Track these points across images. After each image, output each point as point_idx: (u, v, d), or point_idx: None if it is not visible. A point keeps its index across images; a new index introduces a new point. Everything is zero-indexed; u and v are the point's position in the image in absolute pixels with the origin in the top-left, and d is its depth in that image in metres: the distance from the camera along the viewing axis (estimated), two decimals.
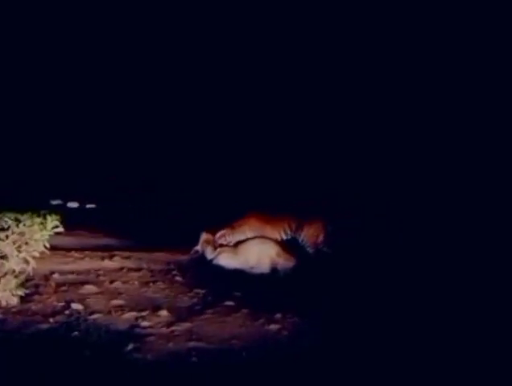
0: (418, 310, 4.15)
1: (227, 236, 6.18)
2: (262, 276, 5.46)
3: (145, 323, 3.67)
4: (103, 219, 8.76)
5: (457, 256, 5.14)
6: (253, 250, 5.67)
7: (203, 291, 4.64)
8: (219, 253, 5.79)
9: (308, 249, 6.12)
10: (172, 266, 5.61)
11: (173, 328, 3.61)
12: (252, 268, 5.59)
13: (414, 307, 4.20)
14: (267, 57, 8.27)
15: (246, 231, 6.21)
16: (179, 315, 3.89)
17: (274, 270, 5.56)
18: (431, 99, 6.98)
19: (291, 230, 6.29)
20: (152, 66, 8.77)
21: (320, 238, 6.08)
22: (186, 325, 3.68)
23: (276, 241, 5.97)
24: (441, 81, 6.84)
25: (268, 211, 6.45)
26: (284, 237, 6.28)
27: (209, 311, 4.04)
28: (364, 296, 4.60)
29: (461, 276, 4.80)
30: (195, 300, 4.38)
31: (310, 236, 6.14)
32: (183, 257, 6.09)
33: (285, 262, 5.60)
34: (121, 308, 3.98)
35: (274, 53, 8.17)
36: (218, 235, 6.16)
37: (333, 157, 7.96)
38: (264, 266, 5.58)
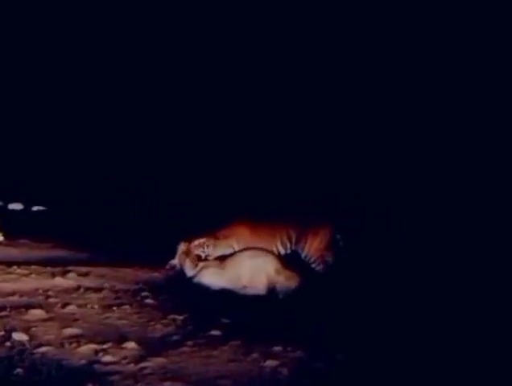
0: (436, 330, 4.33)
1: (206, 248, 6.09)
2: (256, 298, 5.44)
3: (107, 358, 3.61)
4: (54, 224, 8.69)
5: (460, 256, 5.76)
6: (245, 265, 5.61)
7: (181, 317, 4.60)
8: (202, 269, 5.74)
9: (315, 266, 6.09)
10: (142, 285, 5.59)
11: (143, 365, 3.55)
12: (244, 288, 5.54)
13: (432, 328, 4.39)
14: (264, 58, 9.10)
15: (233, 243, 6.14)
16: (151, 348, 3.84)
17: (271, 291, 5.51)
18: (432, 99, 7.75)
19: (290, 242, 6.23)
20: (148, 65, 9.66)
21: (327, 252, 6.07)
22: (159, 360, 3.63)
23: (274, 254, 5.93)
24: (441, 81, 7.64)
25: (260, 218, 6.40)
26: (282, 251, 6.23)
27: (189, 343, 4.00)
28: (379, 322, 4.68)
29: (466, 277, 5.37)
30: (171, 328, 4.34)
31: (315, 249, 6.10)
32: (157, 275, 6.08)
33: (286, 281, 5.54)
34: (76, 339, 3.92)
35: (272, 53, 8.99)
36: (194, 244, 6.05)
37: (332, 156, 8.53)
38: (259, 286, 5.53)
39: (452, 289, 5.45)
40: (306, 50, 8.79)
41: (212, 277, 5.62)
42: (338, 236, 6.15)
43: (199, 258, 5.93)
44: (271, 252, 5.91)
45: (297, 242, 6.19)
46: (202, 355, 3.79)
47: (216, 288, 5.56)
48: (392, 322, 4.72)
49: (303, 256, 6.16)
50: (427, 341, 4.26)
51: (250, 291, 5.49)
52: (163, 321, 4.51)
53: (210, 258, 6.01)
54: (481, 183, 6.87)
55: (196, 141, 9.45)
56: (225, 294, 5.45)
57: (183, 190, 9.41)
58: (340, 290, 5.49)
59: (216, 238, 6.16)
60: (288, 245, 6.23)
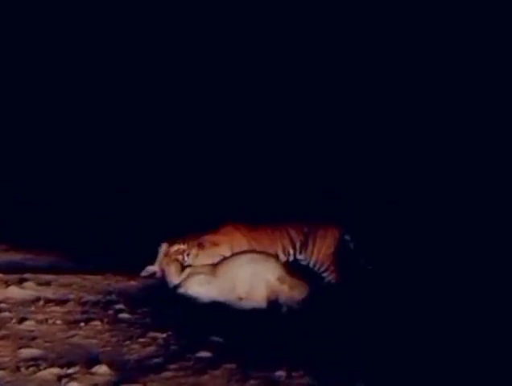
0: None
1: (186, 256, 6.01)
2: (254, 312, 5.42)
3: (73, 385, 3.55)
4: (9, 223, 8.62)
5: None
6: (241, 272, 5.57)
7: (163, 335, 4.57)
8: (188, 276, 5.68)
9: (326, 275, 6.11)
10: (116, 297, 5.57)
11: None
12: (240, 300, 5.50)
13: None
14: (264, 58, 9.84)
15: (225, 251, 6.03)
16: (127, 373, 3.79)
17: (273, 303, 5.46)
18: (436, 95, 8.45)
19: (294, 248, 6.24)
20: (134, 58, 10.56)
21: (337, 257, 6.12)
22: None
23: (276, 258, 5.89)
24: (445, 75, 8.38)
25: (257, 221, 6.38)
26: (284, 259, 6.21)
27: (173, 367, 3.96)
28: (403, 341, 4.71)
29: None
30: (150, 349, 4.30)
31: (325, 255, 6.12)
32: (133, 283, 6.08)
33: (290, 291, 5.49)
34: (35, 362, 3.86)
35: (272, 52, 9.75)
36: (173, 249, 6.00)
37: (335, 151, 9.03)
38: (258, 297, 5.48)
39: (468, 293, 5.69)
40: (305, 48, 9.49)
41: (200, 287, 5.57)
42: (347, 237, 6.21)
43: (181, 265, 5.87)
44: (273, 256, 5.86)
45: (302, 248, 6.21)
46: (189, 382, 3.74)
47: (206, 300, 5.52)
48: (417, 341, 4.73)
49: (310, 264, 6.15)
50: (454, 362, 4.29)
51: (248, 304, 5.44)
52: (142, 340, 4.47)
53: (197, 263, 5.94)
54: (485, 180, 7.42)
55: (186, 135, 9.90)
56: (217, 307, 5.44)
57: (166, 184, 9.52)
58: (356, 303, 5.54)
59: (201, 246, 6.06)
60: (291, 252, 6.24)
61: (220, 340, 4.57)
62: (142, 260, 6.11)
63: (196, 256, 6.01)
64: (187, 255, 5.99)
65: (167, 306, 5.38)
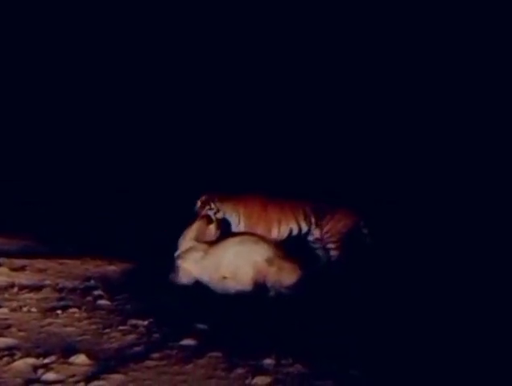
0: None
1: (212, 205, 6.24)
2: (241, 297, 5.37)
3: (50, 376, 3.49)
4: None
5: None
6: (228, 251, 5.53)
7: (144, 323, 4.52)
8: (189, 251, 5.63)
9: (330, 248, 6.28)
10: (94, 282, 5.54)
11: (96, 383, 3.43)
12: (224, 279, 5.44)
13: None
14: (255, 53, 10.21)
15: (240, 210, 6.24)
16: (106, 363, 3.74)
17: (260, 286, 5.40)
18: (443, 94, 8.78)
19: (308, 224, 6.39)
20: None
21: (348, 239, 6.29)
22: (117, 378, 3.51)
23: (270, 241, 5.86)
24: (445, 75, 8.69)
25: (274, 194, 6.59)
26: (296, 231, 6.37)
27: (155, 356, 3.91)
28: (398, 329, 4.73)
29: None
30: (131, 337, 4.26)
31: (337, 230, 6.31)
32: (113, 268, 6.04)
33: (279, 274, 5.41)
34: (9, 351, 3.80)
35: (265, 49, 10.11)
36: (200, 201, 6.23)
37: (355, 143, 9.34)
38: (244, 278, 5.41)
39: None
40: (306, 47, 9.83)
41: (189, 265, 5.54)
42: (362, 223, 6.38)
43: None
44: (266, 239, 5.85)
45: (317, 220, 6.36)
46: (172, 371, 3.70)
47: (191, 281, 5.48)
48: (412, 330, 4.75)
49: (319, 235, 6.34)
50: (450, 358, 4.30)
51: (232, 285, 5.38)
52: (122, 328, 4.43)
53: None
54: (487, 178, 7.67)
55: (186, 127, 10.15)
56: (201, 292, 5.40)
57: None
58: (352, 289, 5.55)
59: (223, 200, 6.30)
60: (304, 227, 6.39)
61: (205, 327, 4.53)
62: (123, 244, 6.09)
63: (221, 205, 6.29)
64: (213, 203, 6.29)
65: (148, 292, 5.36)
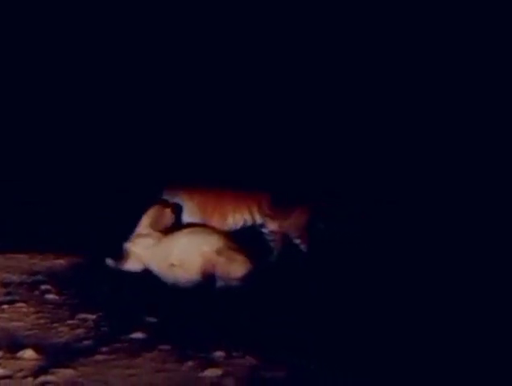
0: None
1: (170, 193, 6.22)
2: (191, 289, 5.37)
3: None
4: None
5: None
6: (179, 241, 5.51)
7: (93, 317, 4.49)
8: (139, 237, 5.61)
9: (298, 243, 6.32)
10: (42, 277, 5.48)
11: (44, 378, 3.38)
12: (172, 266, 5.41)
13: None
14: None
15: (194, 201, 6.20)
16: (55, 357, 3.69)
17: (208, 276, 5.38)
18: (435, 95, 8.76)
19: (262, 212, 6.36)
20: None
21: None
22: (66, 373, 3.47)
23: (222, 233, 5.85)
24: (444, 74, 8.69)
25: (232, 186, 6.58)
26: (249, 222, 6.33)
27: (104, 350, 3.88)
28: (353, 320, 4.72)
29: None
30: (80, 331, 4.22)
31: (297, 225, 6.30)
32: (61, 262, 5.99)
33: (228, 264, 5.38)
34: None
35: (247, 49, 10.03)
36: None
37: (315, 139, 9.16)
38: (192, 267, 5.36)
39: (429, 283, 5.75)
40: (304, 47, 9.75)
41: (144, 250, 5.50)
42: (319, 217, 6.41)
43: None
44: (219, 231, 5.85)
45: (273, 213, 6.35)
46: (121, 365, 3.66)
47: (139, 265, 5.48)
48: (367, 320, 4.77)
49: (275, 227, 6.34)
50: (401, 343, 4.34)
51: (180, 273, 5.35)
52: (70, 322, 4.39)
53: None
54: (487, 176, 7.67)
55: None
56: (150, 284, 5.37)
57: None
58: (308, 279, 5.60)
59: (178, 189, 6.28)
60: (258, 218, 6.37)
61: (155, 320, 4.50)
62: (71, 237, 6.01)
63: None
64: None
65: (97, 286, 5.32)
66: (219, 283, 5.38)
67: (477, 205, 7.27)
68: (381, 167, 8.23)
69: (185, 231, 5.67)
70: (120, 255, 5.71)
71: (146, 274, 5.64)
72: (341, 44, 9.27)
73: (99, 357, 3.77)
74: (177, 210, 6.12)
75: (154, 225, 5.80)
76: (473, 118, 8.19)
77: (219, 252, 5.40)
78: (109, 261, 5.70)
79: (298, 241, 6.38)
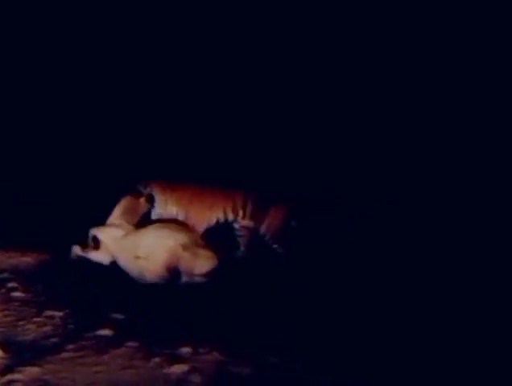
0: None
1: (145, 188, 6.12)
2: (157, 282, 5.38)
3: None
4: None
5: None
6: (147, 235, 5.50)
7: (60, 314, 4.47)
8: (108, 225, 5.62)
9: (275, 245, 6.26)
10: (8, 274, 5.43)
11: (11, 377, 3.37)
12: (137, 258, 5.38)
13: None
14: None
15: (171, 196, 6.12)
16: (21, 355, 3.67)
17: (173, 272, 5.38)
18: (430, 94, 8.68)
19: (235, 214, 6.30)
20: None
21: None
22: (33, 371, 3.47)
23: (191, 229, 5.84)
24: (443, 72, 8.63)
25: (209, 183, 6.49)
26: (222, 219, 6.29)
27: (71, 347, 3.87)
28: (319, 315, 4.76)
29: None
30: (47, 329, 4.19)
31: (274, 226, 6.25)
32: (27, 259, 5.93)
33: (193, 259, 5.35)
34: None
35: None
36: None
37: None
38: (158, 260, 5.32)
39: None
40: (300, 47, 9.59)
41: (110, 240, 5.48)
42: (293, 218, 6.36)
43: None
44: (188, 227, 5.83)
45: (248, 211, 6.30)
46: (88, 362, 3.66)
47: (106, 256, 5.46)
48: (332, 315, 4.83)
49: (247, 224, 6.29)
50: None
51: (145, 266, 5.32)
52: (37, 319, 4.35)
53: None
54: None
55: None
56: (116, 277, 5.36)
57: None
58: (276, 276, 5.61)
59: (154, 185, 6.18)
60: (231, 216, 6.31)
61: (122, 317, 4.50)
62: (38, 234, 5.94)
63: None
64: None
65: (64, 282, 5.27)
66: (183, 278, 5.37)
67: (477, 204, 7.26)
68: (363, 165, 8.16)
69: (154, 225, 5.66)
70: (86, 243, 5.67)
71: (113, 269, 5.60)
72: (332, 42, 9.20)
73: (66, 354, 3.76)
74: (151, 201, 6.08)
75: (127, 215, 5.78)
76: (472, 118, 8.15)
77: (184, 248, 5.38)
78: (76, 249, 5.67)
79: (270, 240, 6.33)
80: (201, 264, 5.41)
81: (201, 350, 3.92)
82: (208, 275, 5.38)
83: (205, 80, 9.55)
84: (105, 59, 10.30)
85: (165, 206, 6.13)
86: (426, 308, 5.06)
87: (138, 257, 5.36)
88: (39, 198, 8.15)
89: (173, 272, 5.33)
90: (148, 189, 6.12)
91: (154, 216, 6.08)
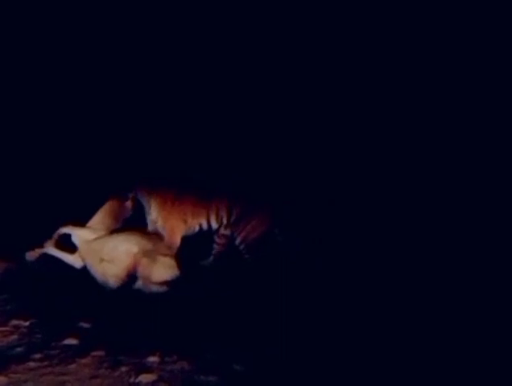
0: None
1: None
2: (123, 294, 5.29)
3: None
4: None
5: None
6: (112, 239, 5.45)
7: (26, 323, 4.43)
8: (80, 228, 5.55)
9: (245, 252, 6.11)
10: None
11: None
12: (101, 261, 5.33)
13: None
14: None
15: (153, 202, 5.98)
16: None
17: (132, 278, 5.29)
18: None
19: (218, 218, 6.17)
20: None
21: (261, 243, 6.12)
22: None
23: (156, 236, 5.78)
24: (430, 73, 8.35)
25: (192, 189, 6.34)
26: (205, 226, 6.16)
27: (37, 356, 3.86)
28: (283, 324, 4.72)
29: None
30: (13, 338, 4.17)
31: (252, 236, 6.12)
32: None
33: (151, 268, 5.28)
34: None
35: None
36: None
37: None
38: (120, 264, 5.25)
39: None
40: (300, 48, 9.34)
41: (80, 240, 5.44)
42: (276, 230, 6.19)
43: None
44: (156, 234, 5.77)
45: (231, 220, 6.17)
46: (55, 372, 3.65)
47: (75, 259, 5.43)
48: (298, 325, 4.79)
49: (227, 232, 6.15)
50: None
51: (108, 270, 5.26)
52: (3, 329, 4.31)
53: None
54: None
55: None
56: (85, 286, 5.29)
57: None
58: (239, 286, 5.58)
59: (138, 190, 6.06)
60: (214, 225, 6.17)
61: (88, 325, 4.47)
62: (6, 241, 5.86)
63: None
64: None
65: (30, 291, 5.21)
66: (141, 285, 5.28)
67: (476, 205, 7.13)
68: (350, 177, 7.83)
69: (123, 231, 5.62)
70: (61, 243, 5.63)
71: (79, 276, 5.54)
72: (307, 46, 8.92)
73: (32, 364, 3.74)
74: (136, 204, 6.02)
75: (109, 219, 5.73)
76: (457, 118, 7.95)
77: (145, 254, 5.30)
78: (50, 249, 5.60)
79: (244, 250, 6.18)
80: (159, 272, 5.30)
81: (168, 359, 3.93)
82: (167, 284, 5.29)
83: (190, 86, 9.42)
84: (86, 71, 10.19)
85: (148, 210, 6.05)
86: (415, 311, 5.09)
87: (102, 260, 5.31)
88: (6, 204, 8.01)
89: (132, 277, 5.27)
90: (133, 193, 6.06)
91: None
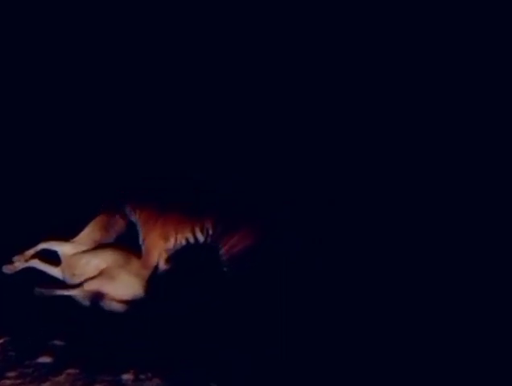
0: None
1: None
2: (97, 311, 5.17)
3: None
4: None
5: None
6: (86, 255, 5.36)
7: (0, 341, 4.44)
8: (64, 242, 5.47)
9: (226, 267, 5.95)
10: None
11: None
12: (73, 276, 5.27)
13: None
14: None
15: (137, 216, 5.85)
16: None
17: (99, 295, 5.14)
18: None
19: (204, 233, 6.01)
20: None
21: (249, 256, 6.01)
22: None
23: (131, 253, 5.68)
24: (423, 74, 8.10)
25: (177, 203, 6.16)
26: (192, 240, 6.02)
27: (11, 374, 3.87)
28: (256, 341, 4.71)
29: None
30: None
31: (237, 250, 5.99)
32: None
33: (112, 285, 5.13)
34: None
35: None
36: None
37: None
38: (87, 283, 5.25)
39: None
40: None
41: (61, 254, 5.38)
42: (269, 241, 5.94)
43: None
44: (129, 250, 5.66)
45: (216, 235, 5.96)
46: None
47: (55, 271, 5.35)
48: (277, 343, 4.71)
49: (220, 252, 5.96)
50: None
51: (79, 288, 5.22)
52: None
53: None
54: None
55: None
56: (58, 303, 5.16)
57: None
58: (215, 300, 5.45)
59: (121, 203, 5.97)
60: (200, 237, 5.91)
61: (62, 343, 4.47)
62: None
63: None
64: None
65: (3, 309, 5.16)
66: (104, 302, 5.13)
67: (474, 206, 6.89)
68: (341, 191, 7.77)
69: (105, 245, 5.58)
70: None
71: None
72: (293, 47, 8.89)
73: (6, 382, 3.74)
74: (127, 218, 5.94)
75: (99, 233, 5.68)
76: (457, 118, 7.66)
77: (110, 271, 5.19)
78: (35, 262, 5.53)
79: (225, 262, 5.81)
80: (118, 290, 5.15)
81: (143, 376, 3.94)
82: (126, 303, 5.13)
83: (178, 95, 9.32)
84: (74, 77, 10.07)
85: (137, 227, 5.95)
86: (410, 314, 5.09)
87: (73, 275, 5.29)
88: None
89: (98, 294, 5.20)
90: (122, 208, 5.99)
91: None
